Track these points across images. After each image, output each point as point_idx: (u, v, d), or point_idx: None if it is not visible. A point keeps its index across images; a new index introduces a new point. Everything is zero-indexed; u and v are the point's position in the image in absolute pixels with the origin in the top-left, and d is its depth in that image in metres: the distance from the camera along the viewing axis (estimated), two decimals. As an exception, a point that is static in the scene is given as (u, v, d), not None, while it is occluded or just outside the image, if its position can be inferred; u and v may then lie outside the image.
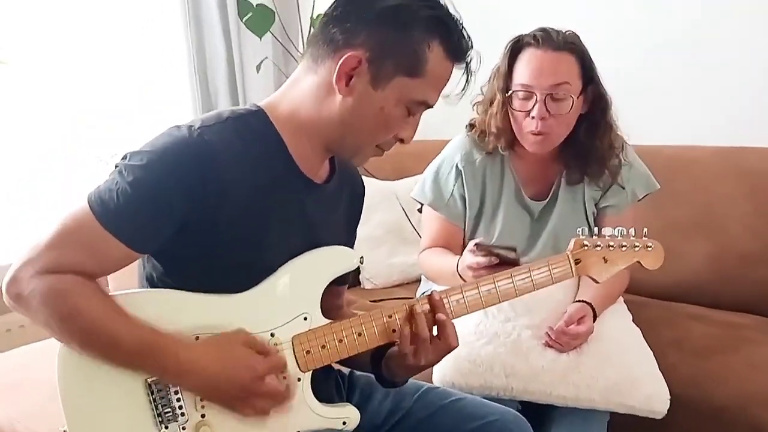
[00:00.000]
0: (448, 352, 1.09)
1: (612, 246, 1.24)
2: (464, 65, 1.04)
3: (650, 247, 1.26)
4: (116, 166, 0.96)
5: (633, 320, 1.62)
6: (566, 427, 1.44)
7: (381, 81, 0.98)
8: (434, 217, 1.69)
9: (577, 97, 1.49)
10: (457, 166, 1.64)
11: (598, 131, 1.55)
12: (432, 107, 1.04)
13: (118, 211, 0.93)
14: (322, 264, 1.08)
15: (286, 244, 1.06)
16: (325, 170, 1.14)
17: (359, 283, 2.24)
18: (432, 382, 1.42)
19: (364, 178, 2.43)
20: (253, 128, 1.02)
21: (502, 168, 1.63)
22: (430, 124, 2.48)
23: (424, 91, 1.01)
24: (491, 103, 1.59)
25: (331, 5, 1.03)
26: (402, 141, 1.06)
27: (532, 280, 1.18)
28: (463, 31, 1.02)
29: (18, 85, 2.15)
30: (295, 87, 1.05)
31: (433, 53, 0.98)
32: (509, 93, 1.52)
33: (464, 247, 1.68)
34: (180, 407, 0.99)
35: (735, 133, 2.13)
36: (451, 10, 1.02)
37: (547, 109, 1.47)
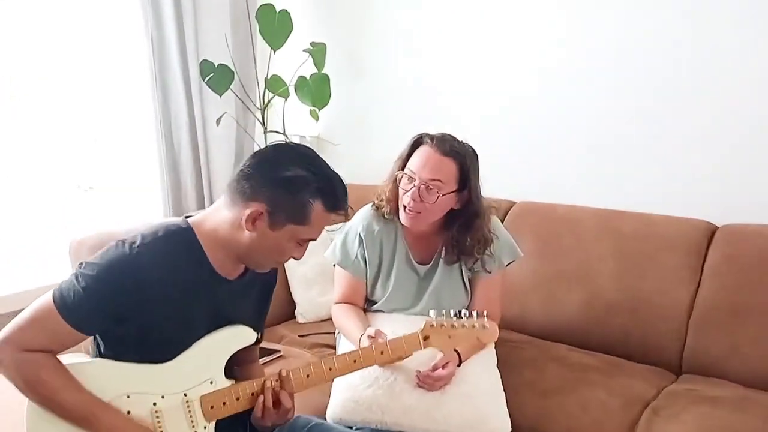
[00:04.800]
0: (289, 418, 1.51)
1: (455, 326, 1.64)
2: (343, 213, 1.45)
3: (486, 327, 1.66)
4: (76, 269, 1.36)
5: (499, 363, 2.02)
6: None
7: (276, 226, 1.38)
8: (343, 274, 2.09)
9: (445, 195, 1.88)
10: (359, 234, 2.04)
11: (469, 231, 1.95)
12: (316, 240, 1.44)
13: (73, 307, 1.33)
14: (225, 341, 1.48)
15: (201, 327, 1.46)
16: (240, 269, 1.52)
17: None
18: (325, 417, 1.82)
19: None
20: (180, 242, 1.42)
21: (396, 237, 2.04)
22: (375, 169, 2.79)
23: (309, 233, 1.41)
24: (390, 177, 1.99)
25: (246, 163, 1.42)
26: (295, 258, 1.46)
27: (390, 351, 1.59)
28: (340, 193, 1.41)
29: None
30: (217, 214, 1.45)
31: (315, 209, 1.38)
32: (400, 174, 1.92)
33: (366, 298, 2.09)
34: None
35: (618, 197, 2.52)
36: (333, 175, 1.42)
37: (419, 194, 1.87)
